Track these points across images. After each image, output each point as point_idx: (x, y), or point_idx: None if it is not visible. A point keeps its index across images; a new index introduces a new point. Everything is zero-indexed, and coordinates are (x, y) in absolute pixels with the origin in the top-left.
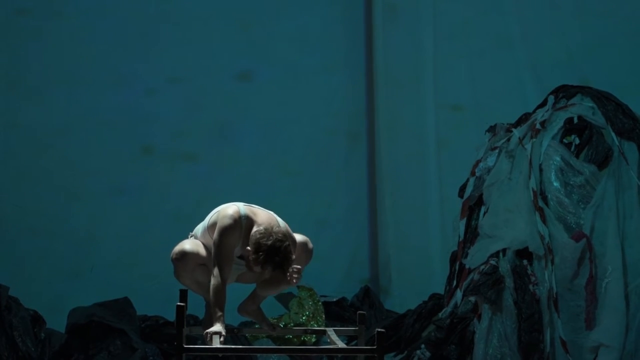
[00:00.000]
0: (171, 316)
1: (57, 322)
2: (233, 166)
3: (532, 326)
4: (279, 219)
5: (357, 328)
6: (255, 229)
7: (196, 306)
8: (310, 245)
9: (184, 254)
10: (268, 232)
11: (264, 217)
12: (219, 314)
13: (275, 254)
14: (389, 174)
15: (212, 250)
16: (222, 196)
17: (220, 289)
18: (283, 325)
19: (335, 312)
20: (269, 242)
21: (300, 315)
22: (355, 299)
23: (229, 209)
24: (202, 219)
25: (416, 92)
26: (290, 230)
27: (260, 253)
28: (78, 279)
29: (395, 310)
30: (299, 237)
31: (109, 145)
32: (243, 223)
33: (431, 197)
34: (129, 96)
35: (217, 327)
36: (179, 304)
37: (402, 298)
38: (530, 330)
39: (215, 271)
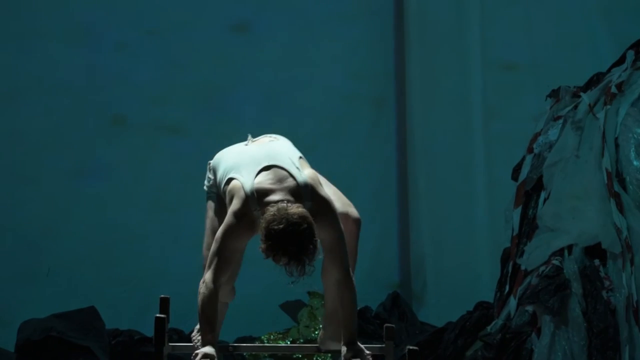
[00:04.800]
0: (149, 330)
1: (5, 338)
2: (226, 141)
3: (606, 343)
4: (298, 173)
5: (383, 345)
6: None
7: (180, 318)
8: (356, 214)
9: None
10: (281, 213)
11: (275, 182)
12: (209, 330)
13: (288, 241)
14: (423, 151)
15: (213, 245)
16: None
17: (211, 300)
18: (290, 341)
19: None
20: (280, 227)
21: (312, 329)
22: (382, 309)
23: (237, 198)
24: (187, 207)
25: (458, 47)
26: (322, 190)
27: (270, 241)
28: (31, 284)
29: (432, 322)
30: (338, 203)
31: (69, 115)
32: (255, 215)
33: (477, 179)
34: (94, 52)
35: (206, 348)
36: (158, 315)
37: (441, 307)
38: (603, 349)
39: (207, 276)
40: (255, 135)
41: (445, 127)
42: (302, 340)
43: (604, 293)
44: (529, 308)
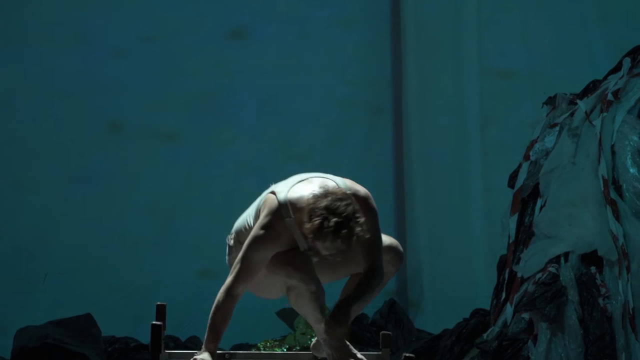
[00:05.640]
0: (145, 337)
1: (1, 345)
2: (223, 148)
3: (603, 351)
4: (335, 177)
5: (380, 352)
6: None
7: (176, 325)
8: (400, 248)
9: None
10: (323, 193)
11: (313, 186)
12: (212, 339)
13: (333, 214)
14: (420, 158)
15: (240, 254)
16: (209, 185)
17: (223, 309)
18: (287, 348)
19: (353, 331)
20: (324, 203)
21: (309, 336)
22: (378, 316)
23: (267, 208)
24: (184, 214)
25: (455, 54)
26: (361, 187)
27: (316, 219)
28: (27, 291)
29: (428, 329)
30: (384, 237)
31: (65, 121)
32: (287, 223)
33: (474, 186)
34: (90, 59)
35: (204, 355)
36: (154, 322)
37: (437, 314)
38: (600, 356)
39: (228, 281)
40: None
41: (441, 134)
42: (298, 348)
43: (600, 300)
44: (526, 315)
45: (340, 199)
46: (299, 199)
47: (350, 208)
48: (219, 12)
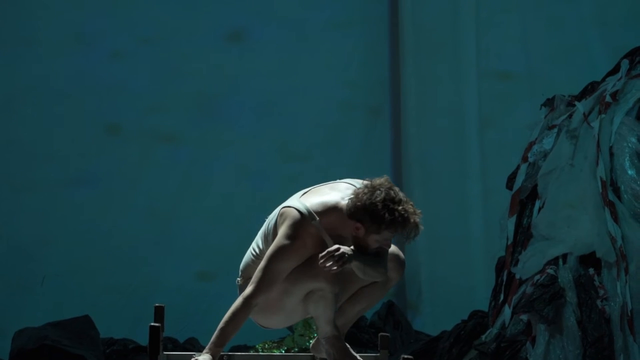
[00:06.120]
0: (143, 339)
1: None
2: (221, 150)
3: (601, 352)
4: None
5: (378, 354)
6: (350, 199)
7: (174, 326)
8: (402, 256)
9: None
10: (369, 188)
11: (325, 189)
12: (218, 344)
13: (393, 202)
14: (418, 160)
15: (261, 264)
16: (208, 187)
17: (238, 316)
18: (285, 350)
19: (351, 333)
20: (381, 196)
21: (307, 338)
22: (376, 318)
23: (288, 220)
24: (182, 215)
25: (453, 56)
26: None
27: (382, 212)
28: (25, 293)
29: (427, 331)
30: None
31: (64, 123)
32: (315, 226)
33: (472, 188)
34: (88, 61)
35: (205, 356)
36: (153, 324)
37: (435, 316)
38: (598, 358)
39: (248, 290)
40: None
41: (440, 136)
42: (296, 349)
43: (598, 302)
44: (524, 317)
45: (390, 187)
46: (320, 204)
47: (401, 193)
48: (217, 14)
